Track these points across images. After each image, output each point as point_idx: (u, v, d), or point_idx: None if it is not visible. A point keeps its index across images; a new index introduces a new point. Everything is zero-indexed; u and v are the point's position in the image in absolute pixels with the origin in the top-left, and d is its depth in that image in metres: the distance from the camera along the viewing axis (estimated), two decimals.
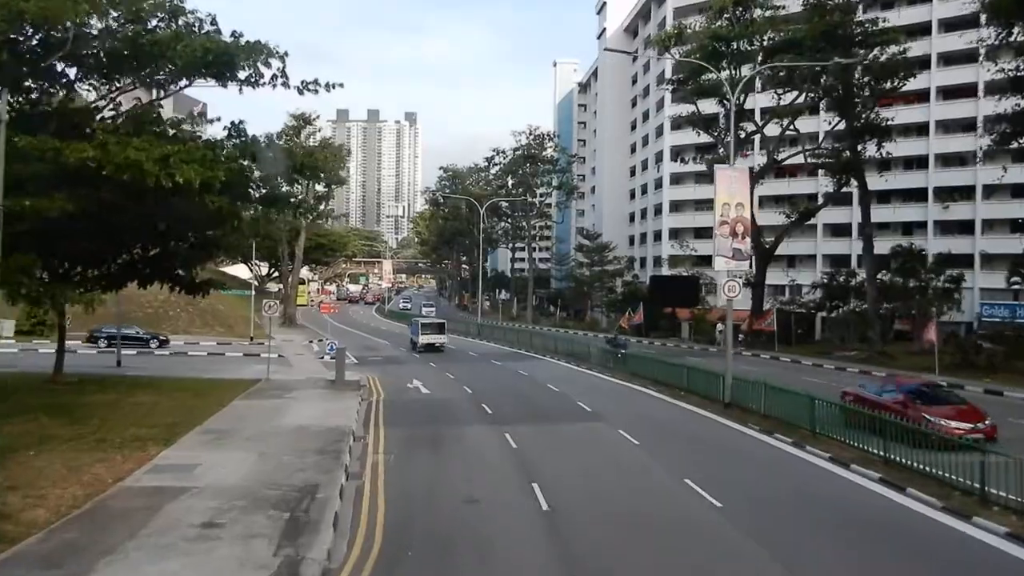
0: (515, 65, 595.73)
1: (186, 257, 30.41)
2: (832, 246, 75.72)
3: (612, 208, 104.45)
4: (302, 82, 23.05)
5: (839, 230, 75.68)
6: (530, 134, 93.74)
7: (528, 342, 56.31)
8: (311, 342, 59.68)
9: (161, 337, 52.06)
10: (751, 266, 56.25)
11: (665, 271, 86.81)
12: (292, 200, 30.59)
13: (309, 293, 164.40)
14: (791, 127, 55.96)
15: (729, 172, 26.26)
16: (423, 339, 53.81)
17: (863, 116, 48.29)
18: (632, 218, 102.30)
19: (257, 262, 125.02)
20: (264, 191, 27.21)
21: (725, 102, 56.38)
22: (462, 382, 34.60)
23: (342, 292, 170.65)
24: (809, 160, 57.48)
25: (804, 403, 21.37)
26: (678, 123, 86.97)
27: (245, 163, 23.65)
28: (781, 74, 50.39)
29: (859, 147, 48.20)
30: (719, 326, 55.22)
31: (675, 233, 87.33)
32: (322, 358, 46.56)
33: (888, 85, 47.58)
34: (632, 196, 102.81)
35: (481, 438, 21.50)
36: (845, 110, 48.28)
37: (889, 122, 52.03)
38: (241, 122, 24.21)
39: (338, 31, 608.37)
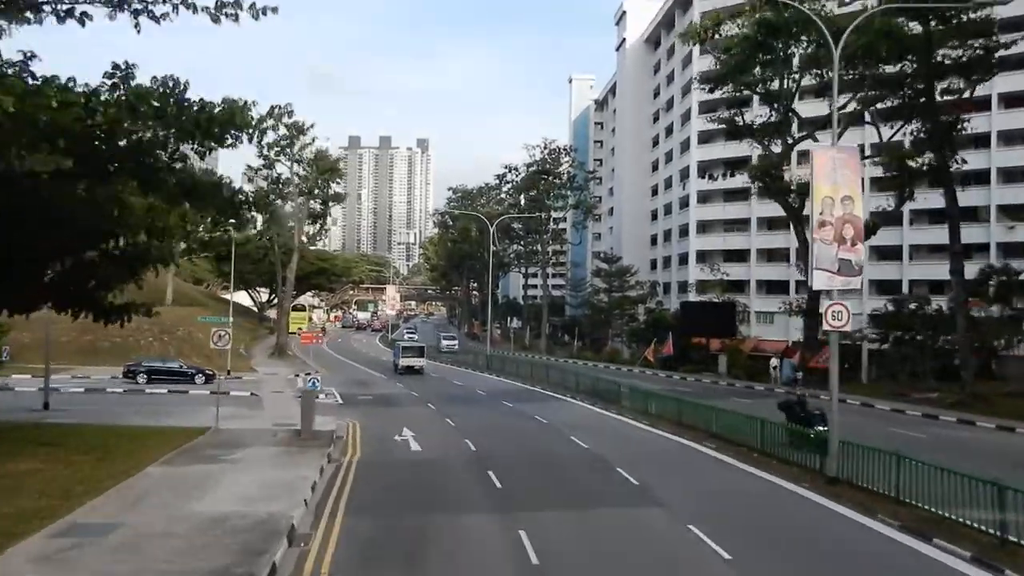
0: (527, 92, 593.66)
1: (103, 272, 23.42)
2: (880, 270, 68.09)
3: (632, 230, 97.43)
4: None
5: (887, 253, 68.25)
6: (544, 148, 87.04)
7: (544, 377, 49.00)
8: (297, 376, 52.59)
9: (207, 372, 45.76)
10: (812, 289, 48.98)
11: (692, 297, 79.51)
12: (228, 192, 22.86)
13: (313, 320, 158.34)
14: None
15: (832, 153, 18.80)
16: (403, 361, 57.45)
17: (949, 119, 41.03)
18: (654, 240, 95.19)
19: (258, 288, 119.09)
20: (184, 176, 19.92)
21: (772, 106, 49.46)
22: (464, 433, 27.36)
23: (348, 320, 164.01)
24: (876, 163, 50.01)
25: (985, 492, 13.94)
26: (706, 136, 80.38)
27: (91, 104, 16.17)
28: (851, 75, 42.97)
29: (944, 154, 40.74)
30: (773, 361, 47.73)
31: (702, 256, 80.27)
32: (300, 397, 39.44)
33: (975, 77, 40.40)
34: (654, 217, 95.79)
35: (484, 542, 14.21)
36: (926, 111, 40.96)
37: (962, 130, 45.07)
38: (130, 65, 16.75)
39: (350, 58, 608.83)
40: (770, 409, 25.82)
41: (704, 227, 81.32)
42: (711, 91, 53.79)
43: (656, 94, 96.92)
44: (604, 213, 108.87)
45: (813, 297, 47.70)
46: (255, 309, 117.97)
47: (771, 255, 77.40)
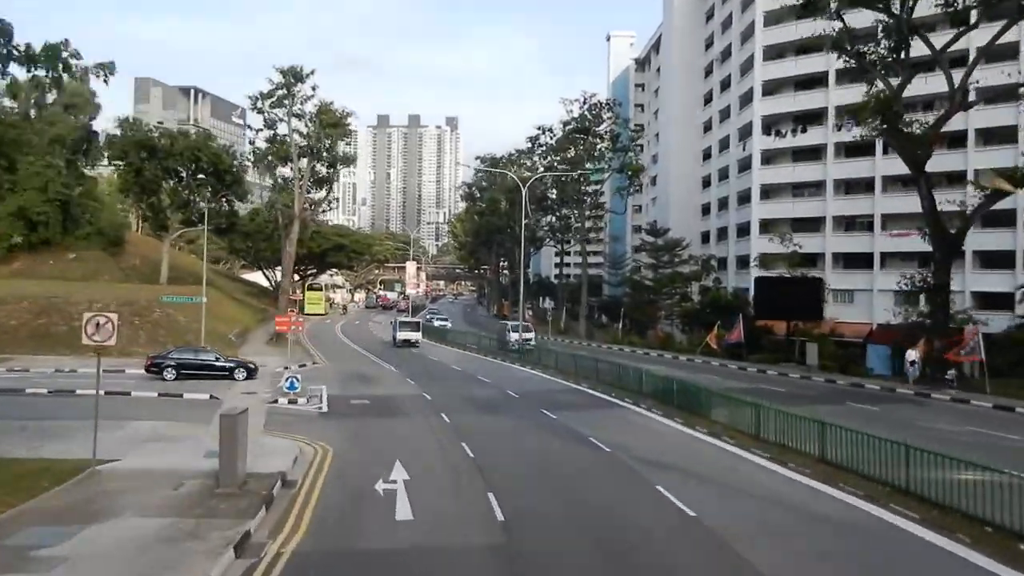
0: (560, 68, 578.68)
1: None
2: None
3: (680, 199, 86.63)
4: None
5: None
6: (584, 103, 76.00)
7: (592, 372, 38.59)
8: (286, 368, 43.08)
9: (249, 365, 37.88)
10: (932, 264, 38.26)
11: (754, 273, 68.75)
12: None
13: (333, 300, 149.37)
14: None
15: None
16: (400, 335, 61.48)
17: None
18: (706, 210, 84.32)
19: (275, 268, 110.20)
20: None
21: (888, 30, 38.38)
22: (488, 474, 17.53)
23: (371, 300, 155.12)
24: None
25: None
26: (772, 86, 69.37)
27: None
28: None
29: None
30: (911, 355, 36.96)
31: (766, 226, 69.47)
32: (275, 402, 29.88)
33: None
34: (706, 184, 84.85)
35: None
36: None
37: None
38: None
39: (378, 39, 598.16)
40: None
41: (768, 192, 70.43)
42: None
43: (708, 45, 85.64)
44: (646, 183, 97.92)
45: (942, 269, 37.02)
46: (271, 289, 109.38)
47: (849, 223, 66.38)
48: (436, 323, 76.99)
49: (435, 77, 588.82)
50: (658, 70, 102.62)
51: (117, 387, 32.18)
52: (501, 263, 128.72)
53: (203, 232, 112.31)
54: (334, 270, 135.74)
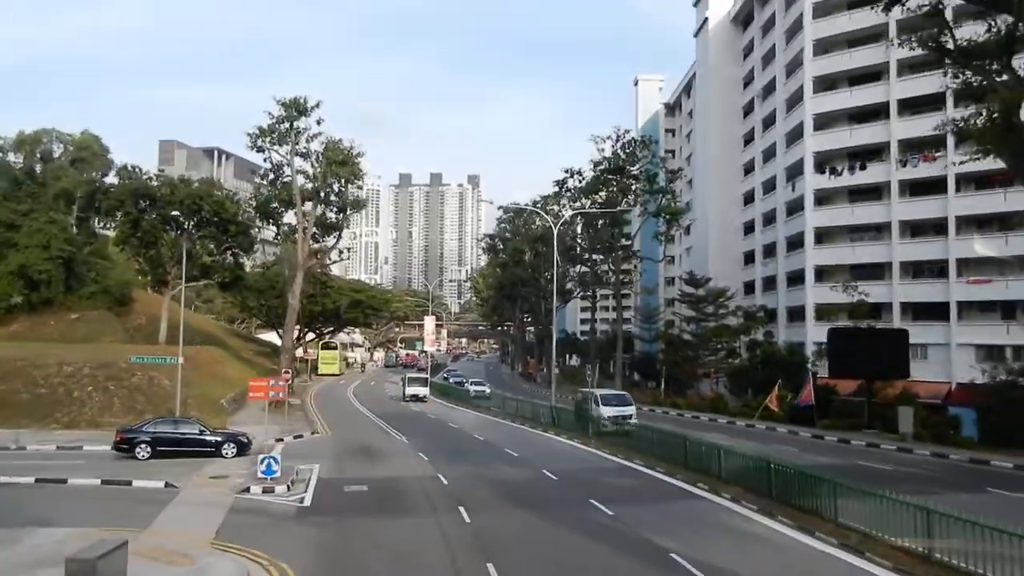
0: (582, 125, 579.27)
1: None
2: None
3: (719, 247, 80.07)
4: None
5: None
6: (616, 140, 69.96)
7: (646, 445, 31.38)
8: (279, 441, 36.42)
9: (241, 438, 31.39)
10: None
11: (810, 325, 61.81)
12: None
13: (351, 360, 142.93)
14: None
15: None
16: (409, 390, 64.28)
17: None
18: (749, 259, 77.55)
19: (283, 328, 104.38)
20: None
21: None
22: None
23: (390, 359, 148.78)
24: None
25: None
26: (824, 120, 63.29)
27: None
28: None
29: None
30: None
31: (821, 274, 62.61)
32: (246, 490, 23.22)
33: None
34: (748, 230, 78.32)
35: None
36: None
37: None
38: None
39: (402, 101, 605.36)
40: None
41: (823, 236, 63.67)
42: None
43: (747, 82, 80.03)
44: (678, 233, 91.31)
45: None
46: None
47: (916, 270, 59.35)
48: (472, 388, 68.34)
49: (456, 136, 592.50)
50: (690, 113, 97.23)
51: (56, 472, 25.70)
52: (525, 319, 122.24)
53: (204, 287, 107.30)
54: (351, 328, 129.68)
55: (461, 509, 20.23)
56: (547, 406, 45.91)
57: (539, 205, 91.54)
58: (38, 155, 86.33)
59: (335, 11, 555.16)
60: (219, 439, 30.66)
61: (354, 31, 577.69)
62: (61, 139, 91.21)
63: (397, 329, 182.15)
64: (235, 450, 30.25)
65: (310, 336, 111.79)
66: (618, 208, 67.29)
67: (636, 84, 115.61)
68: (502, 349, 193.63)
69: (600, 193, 71.56)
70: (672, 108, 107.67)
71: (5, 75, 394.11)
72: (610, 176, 69.94)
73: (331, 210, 55.39)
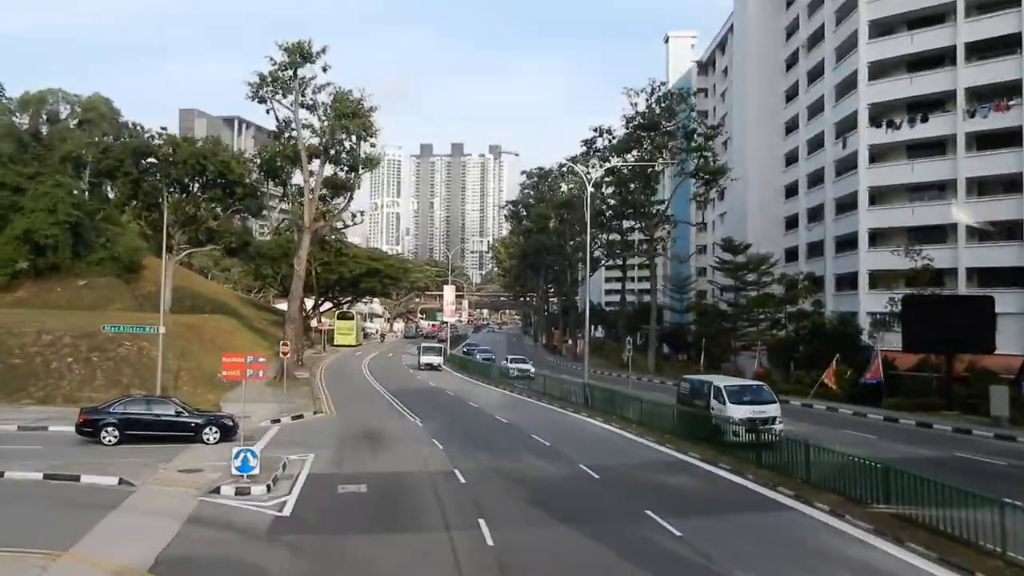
0: (608, 94, 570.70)
1: None
2: None
3: (758, 212, 74.48)
4: None
5: None
6: (651, 93, 64.14)
7: (720, 439, 24.91)
8: (276, 421, 32.13)
9: (225, 421, 26.79)
10: None
11: (864, 294, 56.64)
12: None
13: (370, 331, 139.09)
14: None
15: None
16: (424, 359, 65.80)
17: None
18: (791, 223, 72.03)
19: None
20: None
21: None
22: None
23: (409, 329, 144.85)
24: None
25: None
26: (880, 68, 57.51)
27: None
28: None
29: None
30: None
31: (875, 237, 57.24)
32: (216, 491, 18.80)
33: None
34: (790, 193, 72.71)
35: None
36: None
37: None
38: None
39: (423, 72, 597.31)
40: None
41: (877, 197, 58.11)
42: None
43: (790, 33, 73.92)
44: (714, 195, 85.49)
45: None
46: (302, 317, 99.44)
47: (983, 232, 53.70)
48: (513, 367, 59.66)
49: (478, 105, 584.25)
50: (725, 70, 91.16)
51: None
52: (549, 289, 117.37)
53: (222, 254, 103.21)
54: (369, 298, 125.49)
55: (481, 523, 15.69)
56: (578, 383, 41.10)
57: (566, 168, 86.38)
58: (44, 116, 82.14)
59: None
60: (199, 422, 26.31)
61: (377, 4, 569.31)
62: (67, 100, 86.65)
63: (417, 300, 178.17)
64: (218, 435, 25.91)
65: (327, 306, 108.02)
66: (658, 161, 61.48)
67: (667, 42, 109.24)
68: (524, 320, 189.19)
69: (632, 152, 65.96)
70: (705, 66, 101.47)
71: (23, 46, 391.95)
72: (643, 133, 64.23)
73: (341, 169, 50.59)
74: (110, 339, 39.37)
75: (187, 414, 26.48)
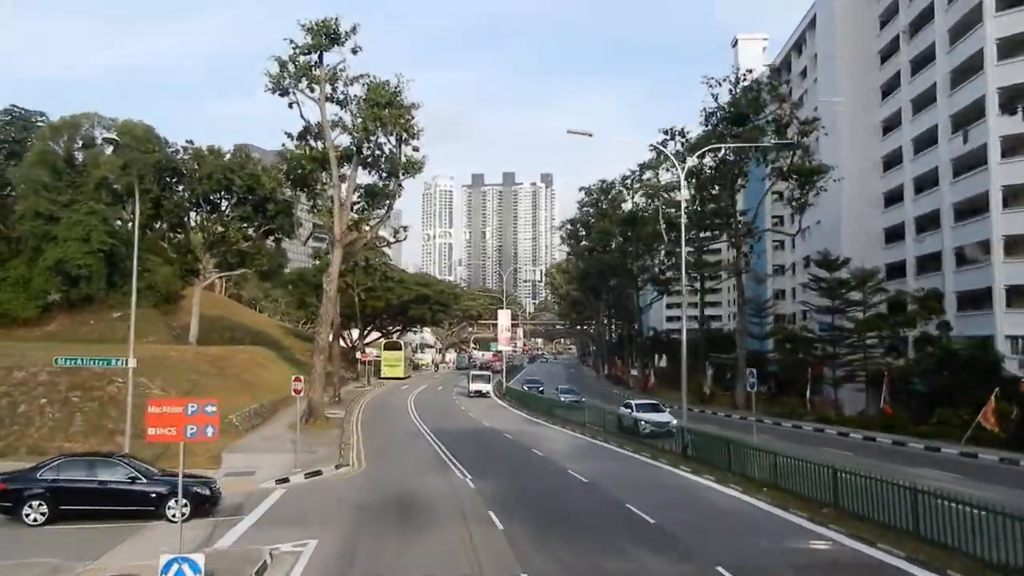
0: (660, 121, 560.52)
1: None
2: None
3: (852, 224, 65.47)
4: None
5: None
6: (737, 82, 55.77)
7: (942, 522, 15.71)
8: (283, 482, 24.60)
9: (198, 489, 19.44)
10: None
11: (1001, 313, 47.35)
12: None
13: (420, 362, 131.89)
14: None
15: None
16: (473, 386, 67.74)
17: None
18: (893, 236, 62.80)
19: (347, 329, 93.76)
20: None
21: None
22: None
23: (462, 360, 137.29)
24: None
25: None
26: (1011, 44, 48.59)
27: None
28: None
29: None
30: None
31: (1009, 246, 47.98)
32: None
33: None
34: (890, 201, 63.61)
35: None
36: None
37: None
38: None
39: (473, 102, 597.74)
40: None
41: (1010, 197, 48.81)
42: None
43: (885, 21, 65.26)
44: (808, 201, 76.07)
45: None
46: (348, 348, 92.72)
47: None
48: (564, 398, 56.30)
49: (529, 133, 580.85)
50: (803, 72, 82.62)
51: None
52: (610, 315, 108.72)
53: (271, 284, 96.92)
54: (419, 327, 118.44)
55: None
56: (681, 431, 31.95)
57: (628, 181, 78.44)
58: (80, 142, 77.59)
59: (405, 20, 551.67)
60: (161, 491, 18.84)
61: (429, 40, 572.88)
62: (103, 124, 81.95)
63: (470, 329, 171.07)
64: (188, 508, 18.34)
65: (374, 335, 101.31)
66: (758, 144, 52.20)
67: (735, 45, 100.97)
68: (581, 349, 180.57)
69: (714, 152, 57.43)
70: (778, 70, 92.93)
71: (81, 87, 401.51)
72: (727, 128, 55.61)
73: (379, 173, 43.55)
74: (97, 376, 32.61)
75: (144, 480, 19.03)
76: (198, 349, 54.50)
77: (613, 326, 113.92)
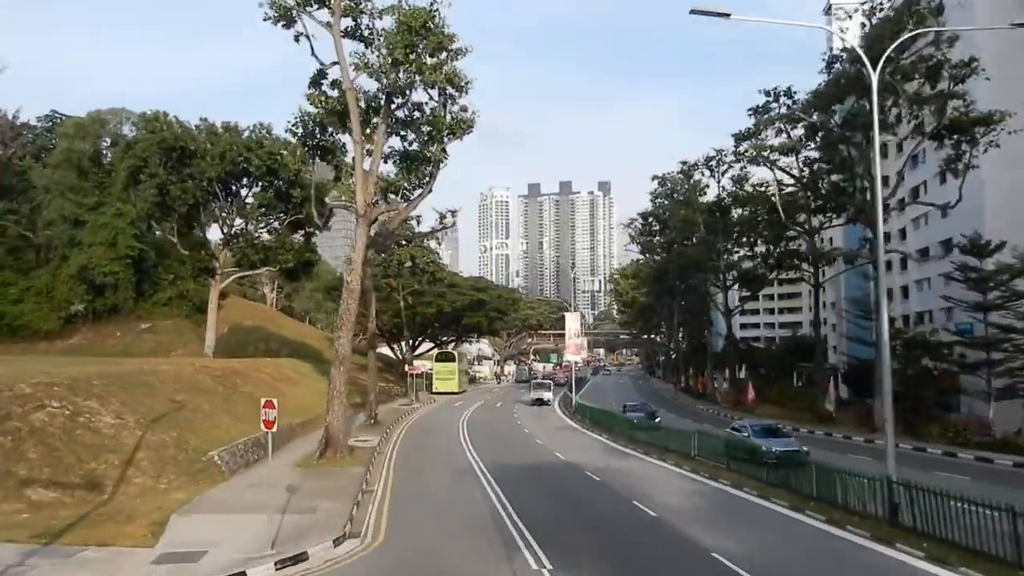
0: (719, 127, 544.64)
1: None
2: None
3: (1004, 202, 53.27)
4: None
5: None
6: (870, 13, 43.80)
7: None
8: (271, 558, 14.74)
9: None
10: None
11: None
12: None
13: (477, 375, 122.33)
14: None
15: None
16: (534, 394, 68.53)
17: None
18: None
19: (397, 341, 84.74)
20: None
21: None
22: None
23: (521, 373, 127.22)
24: None
25: None
26: None
27: None
28: None
29: None
30: None
31: None
32: None
33: None
34: None
35: None
36: None
37: None
38: None
39: (528, 111, 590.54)
40: None
41: None
42: None
43: None
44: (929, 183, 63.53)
45: None
46: (399, 360, 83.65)
47: None
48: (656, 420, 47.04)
49: (586, 141, 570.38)
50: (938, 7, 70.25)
51: None
52: (681, 322, 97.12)
53: (315, 294, 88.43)
54: (475, 337, 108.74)
55: None
56: (805, 463, 21.09)
57: (712, 161, 67.55)
58: (107, 140, 70.39)
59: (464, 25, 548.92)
60: None
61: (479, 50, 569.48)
62: (131, 119, 74.53)
63: (529, 340, 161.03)
64: None
65: (428, 346, 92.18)
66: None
67: (828, 12, 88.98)
68: (648, 360, 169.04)
69: (834, 113, 46.04)
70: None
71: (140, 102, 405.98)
72: (863, 70, 43.88)
73: (416, 131, 33.86)
74: (19, 398, 23.33)
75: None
76: (208, 362, 45.63)
77: (681, 335, 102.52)
